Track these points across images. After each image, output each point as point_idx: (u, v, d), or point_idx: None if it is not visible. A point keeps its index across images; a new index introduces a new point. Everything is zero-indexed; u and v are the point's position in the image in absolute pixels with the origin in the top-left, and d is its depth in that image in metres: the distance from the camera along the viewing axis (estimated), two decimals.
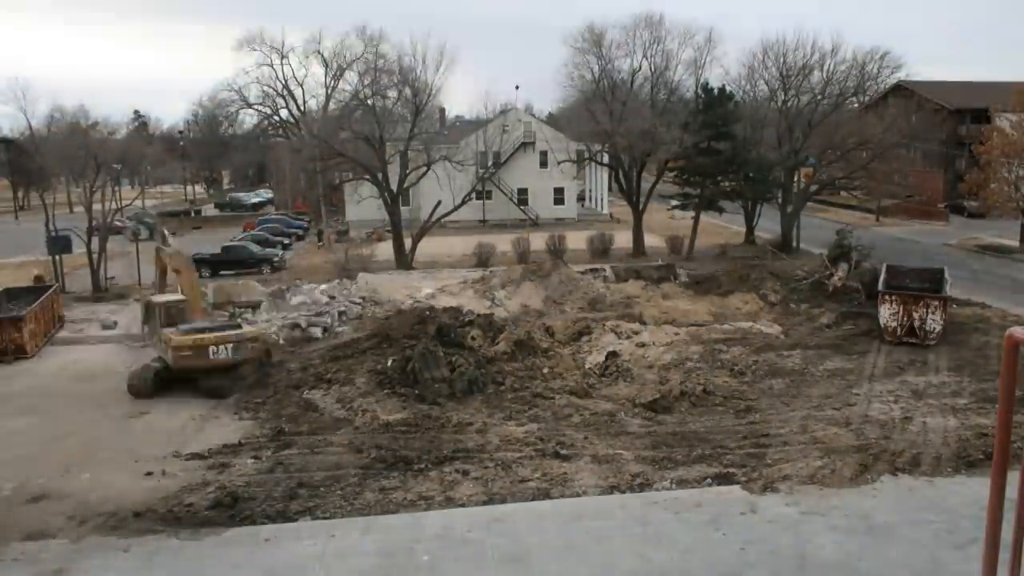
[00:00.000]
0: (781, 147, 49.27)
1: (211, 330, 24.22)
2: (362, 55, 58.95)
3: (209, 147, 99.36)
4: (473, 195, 52.69)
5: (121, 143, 65.39)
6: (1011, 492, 5.21)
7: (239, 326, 25.45)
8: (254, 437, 19.57)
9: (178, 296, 25.71)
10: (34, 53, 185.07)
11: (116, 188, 43.51)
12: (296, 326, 29.58)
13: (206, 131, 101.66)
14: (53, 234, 39.80)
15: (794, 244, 49.10)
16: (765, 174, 49.50)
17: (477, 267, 44.01)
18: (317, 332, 29.33)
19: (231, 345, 23.61)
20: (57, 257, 40.10)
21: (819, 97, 50.55)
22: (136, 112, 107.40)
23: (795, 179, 52.95)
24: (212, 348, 23.36)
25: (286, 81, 69.42)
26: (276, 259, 46.98)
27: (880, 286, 28.52)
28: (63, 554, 14.09)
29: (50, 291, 31.66)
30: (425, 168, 46.71)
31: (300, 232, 63.45)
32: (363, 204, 55.00)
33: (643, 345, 26.46)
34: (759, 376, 23.65)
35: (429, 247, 47.72)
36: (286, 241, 56.34)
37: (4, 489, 16.87)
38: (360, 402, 21.61)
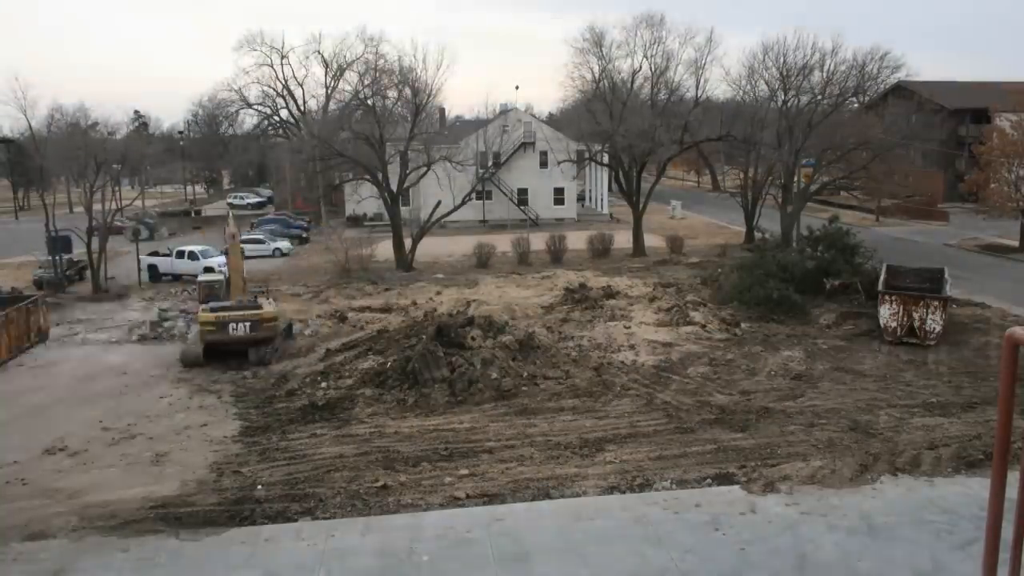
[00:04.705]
0: (781, 147, 49.20)
1: (236, 309, 26.35)
2: (362, 55, 59.05)
3: (209, 147, 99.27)
4: (473, 195, 52.61)
5: (121, 143, 65.26)
6: (1011, 492, 5.21)
7: (259, 306, 27.11)
8: (254, 437, 19.58)
9: (216, 276, 28.32)
10: (34, 53, 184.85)
11: (116, 188, 43.45)
12: None
13: (206, 131, 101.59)
14: (53, 234, 39.78)
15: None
16: None
17: (478, 267, 44.00)
18: None
19: (249, 323, 25.78)
20: (57, 257, 40.10)
21: (819, 97, 50.44)
22: (136, 112, 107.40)
23: (795, 179, 52.87)
24: (232, 325, 25.60)
25: (286, 81, 69.59)
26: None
27: (880, 286, 28.52)
28: (63, 554, 14.08)
29: (27, 302, 29.06)
30: (425, 168, 46.66)
31: (301, 234, 63.39)
32: (363, 204, 54.89)
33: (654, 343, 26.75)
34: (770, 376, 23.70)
35: (429, 247, 47.68)
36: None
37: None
38: (360, 402, 21.61)
